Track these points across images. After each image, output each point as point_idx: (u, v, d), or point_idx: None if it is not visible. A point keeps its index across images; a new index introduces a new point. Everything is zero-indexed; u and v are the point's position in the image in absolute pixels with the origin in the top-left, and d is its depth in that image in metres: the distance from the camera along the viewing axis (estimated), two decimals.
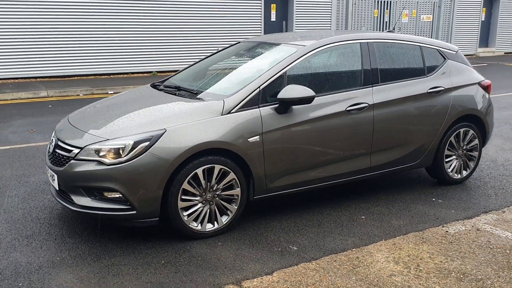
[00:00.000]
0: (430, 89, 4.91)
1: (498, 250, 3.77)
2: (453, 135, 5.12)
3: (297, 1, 16.85)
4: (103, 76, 13.53)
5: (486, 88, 5.40)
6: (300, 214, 4.45)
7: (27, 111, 9.28)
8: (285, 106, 4.09)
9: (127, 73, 13.82)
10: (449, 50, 5.27)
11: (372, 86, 4.60)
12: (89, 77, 13.25)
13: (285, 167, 4.19)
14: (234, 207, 4.02)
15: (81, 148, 3.75)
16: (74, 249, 3.75)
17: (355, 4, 18.73)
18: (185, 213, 3.82)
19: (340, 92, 4.45)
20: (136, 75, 13.84)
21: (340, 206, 4.64)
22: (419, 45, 5.06)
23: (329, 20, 17.68)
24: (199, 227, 3.91)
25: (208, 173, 3.85)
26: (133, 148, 3.63)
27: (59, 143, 3.99)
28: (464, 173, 5.34)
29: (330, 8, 17.57)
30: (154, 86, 4.89)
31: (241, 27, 15.69)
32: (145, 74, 14.10)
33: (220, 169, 3.88)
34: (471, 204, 4.74)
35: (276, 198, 4.41)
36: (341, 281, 3.30)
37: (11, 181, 5.24)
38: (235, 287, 3.23)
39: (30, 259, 3.59)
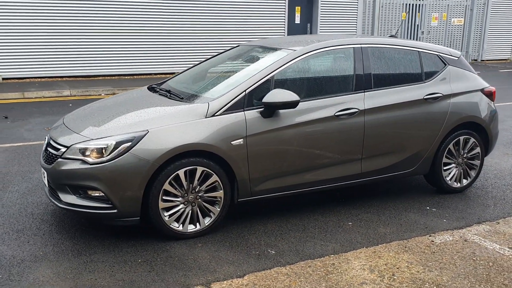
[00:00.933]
0: (426, 95, 4.83)
1: (481, 262, 3.68)
2: (452, 143, 5.01)
3: (322, 4, 16.76)
4: (126, 77, 13.80)
5: (490, 95, 5.26)
6: (287, 218, 4.45)
7: (47, 110, 9.57)
8: (270, 110, 4.11)
9: (149, 74, 14.06)
10: (451, 55, 5.16)
11: (364, 92, 4.56)
12: (113, 78, 13.54)
13: (270, 171, 4.20)
14: (217, 209, 4.06)
15: (67, 147, 3.86)
16: (59, 245, 3.86)
17: (382, 7, 18.52)
18: (166, 214, 3.88)
19: (330, 97, 4.43)
20: (158, 76, 14.07)
21: (330, 212, 4.62)
22: (418, 51, 4.98)
23: (355, 24, 17.51)
24: (180, 228, 3.96)
25: (190, 174, 3.90)
26: (115, 148, 3.71)
27: (51, 141, 4.12)
28: (465, 182, 5.22)
29: (356, 11, 17.40)
30: (151, 88, 4.98)
31: (265, 30, 15.72)
32: (168, 75, 14.31)
33: (203, 171, 3.92)
34: (466, 214, 4.63)
35: (264, 201, 4.43)
36: (310, 287, 3.29)
37: (15, 177, 5.43)
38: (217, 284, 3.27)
39: (15, 252, 3.72)
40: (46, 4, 12.69)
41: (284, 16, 16.17)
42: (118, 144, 3.72)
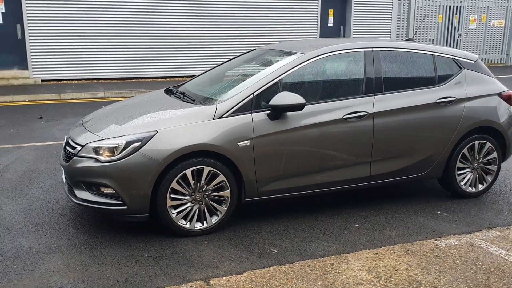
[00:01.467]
0: (439, 99, 4.81)
1: (483, 267, 3.65)
2: (466, 147, 4.97)
3: (355, 6, 16.69)
4: (159, 79, 14.15)
5: (509, 100, 5.18)
6: (295, 219, 4.53)
7: (80, 110, 9.95)
8: (276, 112, 4.20)
9: (182, 77, 14.36)
10: (467, 59, 5.12)
11: (374, 95, 4.59)
12: (146, 80, 13.91)
13: (277, 172, 4.29)
14: (223, 208, 4.19)
15: (82, 146, 4.07)
16: (73, 239, 4.07)
17: (417, 9, 18.26)
18: (174, 211, 4.04)
19: (338, 100, 4.48)
20: (190, 78, 14.35)
21: (338, 214, 4.67)
22: (432, 54, 4.97)
23: (389, 26, 17.33)
24: (188, 225, 4.10)
25: (198, 174, 4.04)
26: (125, 147, 3.90)
27: (69, 140, 4.35)
28: (480, 187, 5.16)
29: (390, 13, 17.22)
30: (168, 90, 5.15)
31: (297, 32, 15.78)
32: None
33: (210, 171, 4.05)
34: (477, 219, 4.59)
35: (274, 201, 4.52)
36: (306, 285, 3.37)
37: (42, 174, 5.72)
38: (203, 283, 3.39)
39: (32, 244, 3.95)
40: (84, 10, 13.18)
41: (317, 19, 16.18)
42: (128, 144, 3.90)
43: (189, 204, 4.08)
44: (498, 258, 3.79)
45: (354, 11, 16.71)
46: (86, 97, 11.65)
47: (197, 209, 4.12)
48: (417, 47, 4.97)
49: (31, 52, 12.92)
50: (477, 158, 5.06)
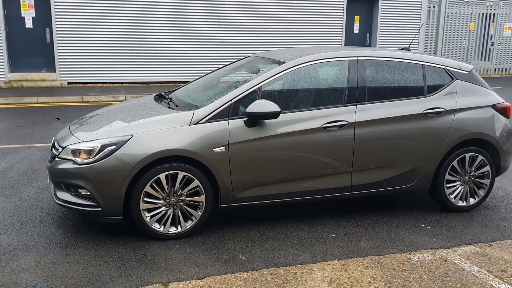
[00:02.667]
0: (427, 109, 4.72)
1: (449, 283, 3.56)
2: (456, 160, 4.85)
3: (382, 13, 16.49)
4: (181, 84, 14.37)
5: (503, 112, 5.03)
6: (273, 226, 4.53)
7: None
8: (252, 120, 4.22)
9: None
10: (460, 69, 5.00)
11: (356, 104, 4.55)
12: (168, 84, 14.16)
13: (253, 179, 4.31)
14: (198, 213, 4.23)
15: (63, 148, 4.21)
16: (52, 237, 4.21)
17: (447, 16, 17.88)
18: (148, 214, 4.11)
19: (318, 109, 4.47)
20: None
21: (318, 223, 4.64)
22: (422, 64, 4.88)
23: (417, 35, 17.01)
24: (161, 229, 4.17)
25: (172, 178, 4.10)
26: (100, 150, 4.01)
27: (55, 143, 4.50)
28: (472, 201, 5.02)
29: (418, 21, 16.92)
30: (158, 96, 5.24)
31: (321, 39, 15.72)
32: None
33: (184, 176, 4.11)
34: (461, 234, 4.47)
35: (257, 207, 4.55)
36: None
37: (42, 174, 5.92)
38: (161, 286, 3.45)
39: (12, 241, 4.11)
40: (110, 17, 13.56)
41: (342, 26, 16.08)
42: (103, 147, 4.01)
43: (163, 208, 4.15)
44: (468, 274, 3.69)
45: (381, 18, 16.51)
46: (108, 100, 11.96)
47: (172, 213, 4.18)
48: (406, 57, 4.89)
49: (59, 56, 13.37)
50: (469, 171, 4.93)
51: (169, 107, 4.59)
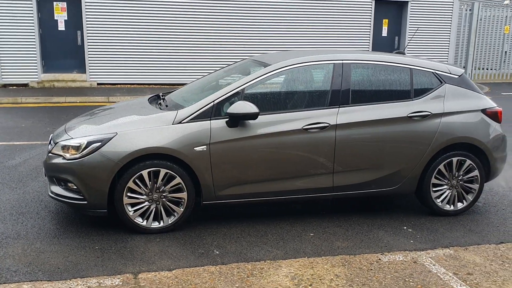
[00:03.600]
0: (412, 113, 4.75)
1: (411, 284, 3.61)
2: (443, 164, 4.86)
3: (411, 16, 16.31)
4: None
5: (493, 116, 4.99)
6: (255, 224, 4.67)
7: None
8: (233, 120, 4.38)
9: None
10: (449, 73, 5.00)
11: (339, 107, 4.63)
12: None
13: (235, 178, 4.46)
14: (180, 210, 4.42)
15: (55, 144, 4.49)
16: (43, 228, 4.49)
17: (480, 19, 17.47)
18: (131, 209, 4.33)
19: (300, 111, 4.58)
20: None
21: (300, 221, 4.75)
22: (409, 68, 4.91)
23: (448, 37, 16.73)
24: (144, 223, 4.38)
25: (154, 175, 4.31)
26: (86, 147, 4.26)
27: (51, 139, 4.80)
28: (460, 205, 5.00)
29: (449, 24, 16.64)
30: (153, 96, 5.47)
31: (347, 42, 15.70)
32: None
33: (166, 173, 4.31)
34: (440, 237, 4.48)
35: (242, 205, 4.70)
36: (223, 285, 3.52)
37: None
38: (130, 276, 3.65)
39: (6, 230, 4.42)
40: (138, 20, 14.01)
41: (369, 29, 15.99)
42: (89, 144, 4.26)
43: (146, 203, 4.36)
44: (433, 276, 3.72)
45: (410, 21, 16.33)
46: None
47: (154, 209, 4.38)
48: (394, 60, 4.93)
49: (89, 57, 13.92)
50: (456, 175, 4.92)
51: (159, 108, 4.80)
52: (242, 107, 4.31)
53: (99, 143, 4.25)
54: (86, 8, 13.64)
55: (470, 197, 5.01)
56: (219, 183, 4.43)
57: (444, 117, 4.83)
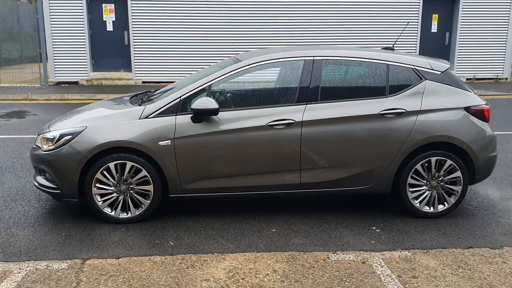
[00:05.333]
0: (384, 110, 4.62)
1: (346, 284, 3.54)
2: (420, 163, 4.68)
3: (464, 10, 15.55)
4: None
5: (478, 115, 4.74)
6: (223, 218, 4.75)
7: None
8: (197, 116, 4.49)
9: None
10: (431, 69, 4.81)
11: (306, 104, 4.60)
12: None
13: (200, 172, 4.56)
14: (147, 201, 4.60)
15: (37, 136, 4.82)
16: (27, 214, 4.83)
17: None
18: (100, 199, 4.56)
19: (266, 107, 4.59)
20: None
21: (269, 218, 4.77)
22: (386, 64, 4.78)
23: (505, 33, 15.78)
24: (113, 213, 4.60)
25: (122, 168, 4.51)
26: (59, 139, 4.54)
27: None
28: (441, 207, 4.80)
29: (507, 19, 15.70)
30: (143, 93, 5.68)
31: (392, 39, 15.25)
32: None
33: (132, 166, 4.50)
34: (407, 239, 4.34)
35: (219, 198, 4.82)
36: (158, 274, 3.64)
37: None
38: (79, 261, 3.87)
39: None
40: (180, 20, 14.44)
41: (417, 25, 15.45)
42: (61, 136, 4.54)
43: (114, 194, 4.57)
44: (373, 278, 3.63)
45: (462, 16, 15.58)
46: None
47: (122, 200, 4.59)
48: (369, 56, 4.81)
49: (134, 56, 14.54)
50: (436, 176, 4.72)
51: (136, 103, 5.00)
52: (204, 103, 4.40)
53: (70, 136, 4.51)
54: (132, 9, 14.25)
55: (452, 199, 4.79)
56: (185, 177, 4.56)
57: (421, 114, 4.65)
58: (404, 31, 15.35)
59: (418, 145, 4.63)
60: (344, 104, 4.64)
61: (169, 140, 4.48)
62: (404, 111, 4.63)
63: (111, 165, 4.49)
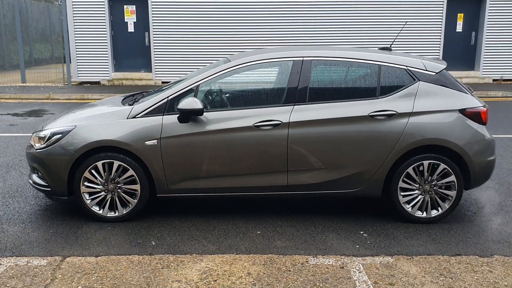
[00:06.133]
0: (374, 112, 4.51)
1: (316, 286, 3.48)
2: (412, 167, 4.56)
3: (490, 9, 15.09)
4: None
5: (474, 117, 4.58)
6: (211, 218, 4.74)
7: None
8: (183, 116, 4.49)
9: None
10: (425, 70, 4.67)
11: (294, 105, 4.54)
12: None
13: (186, 172, 4.56)
14: (134, 201, 4.63)
15: (32, 134, 4.92)
16: (21, 210, 4.93)
17: None
18: (89, 197, 4.62)
19: (253, 108, 4.55)
20: None
21: (257, 220, 4.73)
22: (378, 64, 4.66)
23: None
24: (101, 212, 4.65)
25: (109, 167, 4.55)
26: (49, 138, 4.62)
27: None
28: (434, 213, 4.66)
29: None
30: (139, 93, 5.71)
31: (415, 39, 14.95)
32: None
33: (119, 165, 4.54)
34: (393, 244, 4.22)
35: (210, 199, 4.82)
36: (132, 274, 3.65)
37: None
38: (59, 258, 3.91)
39: None
40: (199, 21, 14.53)
41: (441, 25, 15.09)
42: (52, 135, 4.61)
43: (102, 193, 4.62)
44: (348, 283, 3.54)
45: (489, 14, 15.12)
46: None
47: (110, 198, 4.63)
48: (361, 57, 4.70)
49: (154, 57, 14.71)
50: (429, 180, 4.59)
51: (122, 103, 5.03)
52: (189, 103, 4.40)
53: (60, 135, 4.58)
54: (153, 11, 14.42)
55: (446, 205, 4.64)
56: (171, 177, 4.56)
57: (413, 116, 4.52)
58: (427, 31, 15.02)
59: (409, 148, 4.51)
60: (333, 105, 4.55)
61: (156, 140, 4.50)
62: (395, 113, 4.51)
63: (99, 164, 4.53)
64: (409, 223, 4.66)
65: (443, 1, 14.90)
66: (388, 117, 4.51)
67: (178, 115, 4.52)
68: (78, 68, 14.76)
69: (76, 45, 14.60)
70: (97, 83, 14.80)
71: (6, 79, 15.88)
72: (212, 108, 4.63)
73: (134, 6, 14.57)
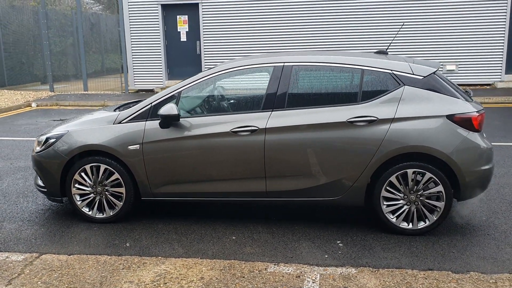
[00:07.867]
0: (353, 118, 4.37)
1: None
2: (395, 175, 4.36)
3: None
4: None
5: (464, 123, 4.30)
6: (194, 223, 4.81)
7: None
8: (163, 122, 4.61)
9: None
10: (412, 74, 4.46)
11: (272, 111, 4.51)
12: None
13: (168, 176, 4.68)
14: (120, 203, 4.81)
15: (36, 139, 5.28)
16: (26, 209, 5.28)
17: None
18: (79, 199, 4.87)
19: (231, 114, 4.59)
20: None
21: (237, 225, 4.73)
22: (361, 68, 4.52)
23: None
24: (90, 213, 4.88)
25: (97, 170, 4.78)
26: (45, 142, 4.93)
27: None
28: (421, 224, 4.42)
29: None
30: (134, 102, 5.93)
31: (475, 39, 14.15)
32: None
33: (106, 169, 4.75)
34: (366, 255, 4.06)
35: (199, 204, 4.93)
36: (92, 273, 3.80)
37: None
38: (35, 255, 4.16)
39: None
40: (245, 30, 14.72)
41: (504, 24, 14.17)
42: (47, 140, 4.92)
43: (91, 195, 4.85)
44: None
45: None
46: None
47: (99, 200, 4.85)
48: (343, 61, 4.58)
49: (205, 65, 15.09)
50: (414, 189, 4.36)
51: (114, 110, 5.23)
52: (167, 109, 4.51)
53: (54, 139, 4.87)
54: (203, 20, 14.82)
55: (434, 216, 4.38)
56: (154, 180, 4.69)
57: (395, 123, 4.32)
58: (488, 32, 14.17)
59: (390, 155, 4.32)
60: (312, 111, 4.46)
61: (138, 145, 4.65)
62: (376, 119, 4.34)
63: (87, 167, 4.77)
64: (392, 235, 4.44)
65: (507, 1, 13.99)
66: (368, 123, 4.35)
67: (159, 120, 4.64)
68: (134, 76, 15.47)
69: (132, 55, 15.32)
70: (151, 90, 15.42)
71: (72, 87, 16.98)
72: (193, 114, 4.71)
73: (187, 16, 15.04)
